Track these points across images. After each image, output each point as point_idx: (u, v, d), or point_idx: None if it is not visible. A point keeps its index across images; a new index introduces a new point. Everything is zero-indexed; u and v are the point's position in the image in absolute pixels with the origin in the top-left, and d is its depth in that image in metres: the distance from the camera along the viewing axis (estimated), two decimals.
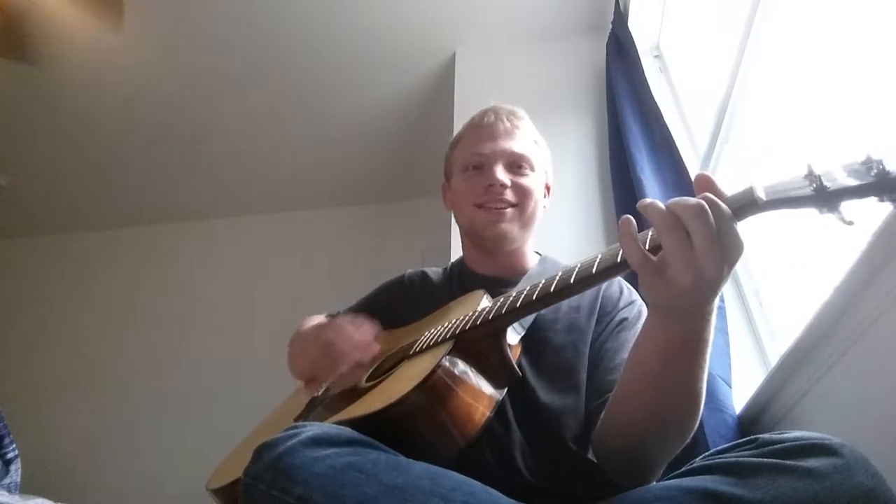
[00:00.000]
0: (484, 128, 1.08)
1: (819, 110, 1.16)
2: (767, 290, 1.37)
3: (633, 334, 0.89)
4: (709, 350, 0.61)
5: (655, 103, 1.66)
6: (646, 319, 0.64)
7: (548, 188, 1.13)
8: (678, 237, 0.52)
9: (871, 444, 0.58)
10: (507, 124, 1.07)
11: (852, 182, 0.46)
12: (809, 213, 0.49)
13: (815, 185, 0.48)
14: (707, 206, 0.52)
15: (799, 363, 0.93)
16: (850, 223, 0.47)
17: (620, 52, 1.95)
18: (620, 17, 2.03)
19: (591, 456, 0.83)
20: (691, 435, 0.67)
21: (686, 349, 0.60)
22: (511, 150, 1.04)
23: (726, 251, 0.52)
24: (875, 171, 0.45)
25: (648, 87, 1.72)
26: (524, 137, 1.08)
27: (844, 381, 0.85)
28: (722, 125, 1.52)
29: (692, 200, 0.53)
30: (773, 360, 1.08)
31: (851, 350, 0.82)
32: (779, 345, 1.26)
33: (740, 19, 1.41)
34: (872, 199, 0.46)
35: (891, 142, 0.46)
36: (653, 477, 0.70)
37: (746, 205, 0.52)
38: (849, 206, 0.47)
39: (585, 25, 2.35)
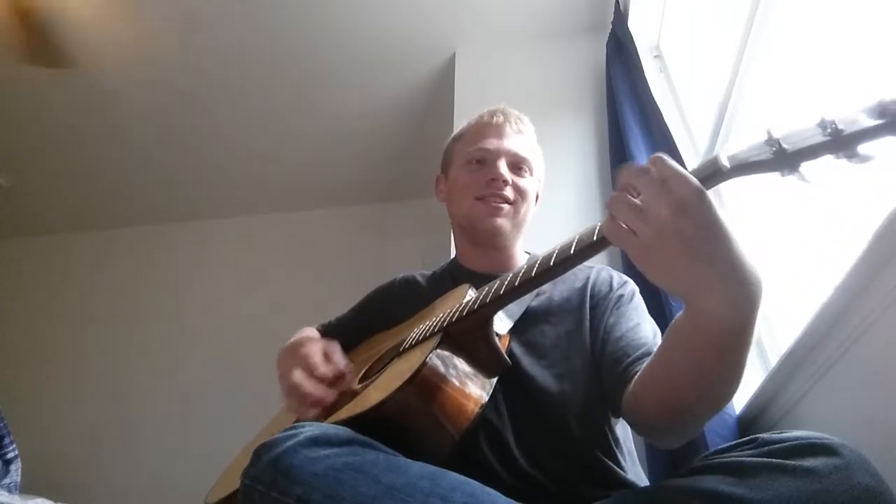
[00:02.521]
0: (492, 126, 1.11)
1: (819, 109, 1.16)
2: (767, 290, 1.36)
3: (630, 307, 0.93)
4: (752, 334, 0.57)
5: (655, 103, 1.66)
6: (682, 313, 0.61)
7: (537, 197, 1.16)
8: (627, 204, 0.55)
9: (871, 444, 0.58)
10: (515, 127, 1.11)
11: (809, 142, 0.48)
12: (772, 177, 0.51)
13: (774, 149, 0.50)
14: (645, 166, 0.54)
15: (799, 363, 0.93)
16: (809, 182, 0.49)
17: (620, 52, 1.95)
18: (620, 17, 2.03)
19: (595, 445, 0.84)
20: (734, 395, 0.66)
21: (728, 334, 0.56)
22: (515, 150, 1.08)
23: (678, 199, 0.51)
24: (829, 129, 0.47)
25: (648, 87, 1.72)
26: (527, 143, 1.12)
27: (844, 381, 0.85)
28: (722, 125, 1.52)
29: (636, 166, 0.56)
30: (773, 360, 1.08)
31: (851, 350, 0.82)
32: (779, 345, 1.26)
33: (740, 19, 1.41)
34: (829, 158, 0.48)
35: (843, 103, 0.49)
36: (692, 435, 0.72)
37: (712, 173, 0.54)
38: (809, 167, 0.49)
39: (585, 25, 2.35)
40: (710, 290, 0.54)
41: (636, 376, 0.74)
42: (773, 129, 0.51)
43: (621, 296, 0.96)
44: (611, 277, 1.00)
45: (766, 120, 1.38)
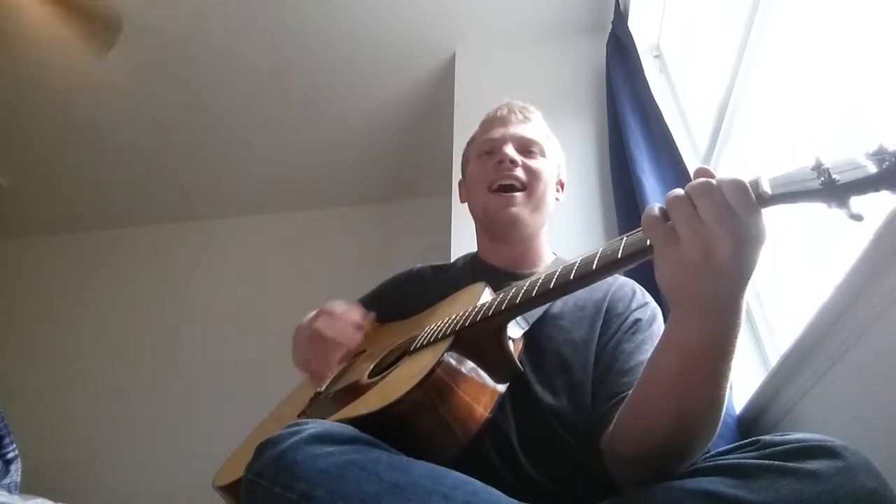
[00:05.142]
0: (497, 119, 1.13)
1: (820, 109, 1.16)
2: (767, 290, 1.37)
3: (647, 336, 0.88)
4: (732, 357, 0.57)
5: (655, 103, 1.66)
6: (667, 321, 0.60)
7: (561, 184, 1.16)
8: (687, 211, 0.52)
9: (872, 445, 0.59)
10: (520, 116, 1.12)
11: (863, 174, 0.44)
12: (816, 208, 0.47)
13: (823, 179, 0.45)
14: (713, 183, 0.51)
15: (799, 363, 0.93)
16: (860, 218, 0.44)
17: (620, 52, 1.95)
18: (620, 17, 2.03)
19: (597, 454, 0.82)
20: (710, 443, 0.64)
21: (708, 353, 0.57)
22: (521, 134, 1.08)
23: (740, 228, 0.50)
24: (888, 162, 0.43)
25: (648, 87, 1.72)
26: (535, 128, 1.12)
27: (844, 381, 0.86)
28: (722, 125, 1.52)
29: (699, 179, 0.53)
30: (773, 360, 1.08)
31: (851, 350, 0.82)
32: (779, 345, 1.26)
33: (740, 19, 1.41)
34: (885, 192, 0.43)
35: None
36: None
37: (754, 198, 0.50)
38: (859, 200, 0.44)
39: (585, 25, 2.35)
40: (711, 310, 0.55)
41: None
42: (822, 155, 0.47)
43: (638, 320, 0.90)
44: (632, 294, 0.96)
45: (767, 120, 1.39)
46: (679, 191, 0.53)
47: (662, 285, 0.56)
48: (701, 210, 0.51)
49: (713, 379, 0.58)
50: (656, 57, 2.09)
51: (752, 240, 0.50)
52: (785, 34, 1.33)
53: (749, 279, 0.53)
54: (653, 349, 0.82)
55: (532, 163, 1.06)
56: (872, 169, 0.43)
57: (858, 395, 0.83)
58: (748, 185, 0.50)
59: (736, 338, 0.56)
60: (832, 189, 0.45)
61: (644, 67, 1.80)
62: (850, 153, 0.46)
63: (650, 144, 1.62)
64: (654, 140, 1.62)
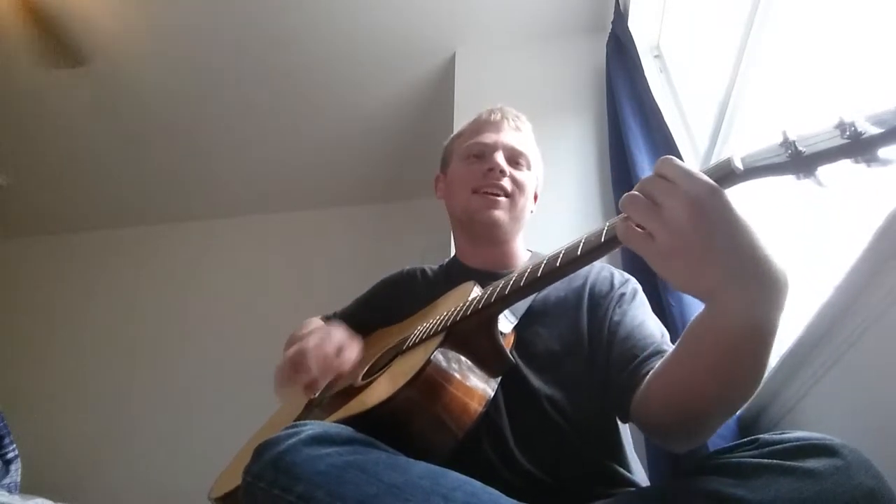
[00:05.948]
0: (490, 123, 1.12)
1: (820, 109, 1.16)
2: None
3: (634, 306, 0.91)
4: (775, 336, 0.56)
5: (655, 103, 1.66)
6: (701, 314, 0.59)
7: (535, 196, 1.16)
8: (641, 207, 0.54)
9: (872, 445, 0.58)
10: (512, 123, 1.12)
11: (827, 145, 0.46)
12: (787, 180, 0.50)
13: (790, 151, 0.48)
14: (659, 163, 0.54)
15: (799, 363, 0.93)
16: (825, 186, 0.47)
17: (620, 52, 1.95)
18: (620, 17, 2.03)
19: (593, 444, 0.83)
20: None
21: (748, 337, 0.55)
22: (513, 144, 1.09)
23: (687, 193, 0.51)
24: (848, 132, 0.45)
25: (648, 87, 1.72)
26: (525, 139, 1.12)
27: (844, 381, 0.85)
28: (722, 125, 1.52)
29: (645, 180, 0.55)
30: (774, 360, 1.08)
31: (852, 350, 0.82)
32: (779, 344, 1.25)
33: (740, 19, 1.41)
34: (847, 162, 0.46)
35: (863, 104, 0.47)
36: (703, 441, 0.69)
37: (725, 175, 0.53)
38: (826, 171, 0.47)
39: (585, 25, 2.35)
40: (728, 289, 0.53)
41: (646, 379, 0.72)
42: (788, 130, 0.49)
43: (623, 294, 0.94)
44: (611, 276, 0.99)
45: (767, 120, 1.39)
46: (628, 192, 0.56)
47: (674, 284, 0.56)
48: (657, 197, 0.53)
49: (756, 361, 0.58)
50: (656, 57, 2.09)
51: (710, 203, 0.52)
52: (785, 34, 1.33)
53: (747, 245, 0.52)
54: (649, 317, 0.87)
55: (518, 175, 1.07)
56: (836, 140, 0.46)
57: (858, 395, 0.83)
58: (671, 158, 0.53)
59: (772, 318, 0.54)
60: (799, 160, 0.48)
61: (644, 67, 1.80)
62: (815, 126, 0.48)
63: (650, 144, 1.62)
64: (654, 140, 1.62)
